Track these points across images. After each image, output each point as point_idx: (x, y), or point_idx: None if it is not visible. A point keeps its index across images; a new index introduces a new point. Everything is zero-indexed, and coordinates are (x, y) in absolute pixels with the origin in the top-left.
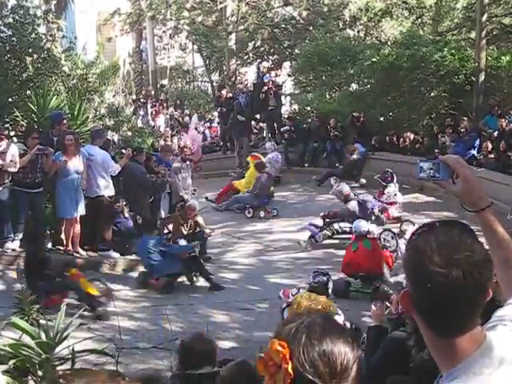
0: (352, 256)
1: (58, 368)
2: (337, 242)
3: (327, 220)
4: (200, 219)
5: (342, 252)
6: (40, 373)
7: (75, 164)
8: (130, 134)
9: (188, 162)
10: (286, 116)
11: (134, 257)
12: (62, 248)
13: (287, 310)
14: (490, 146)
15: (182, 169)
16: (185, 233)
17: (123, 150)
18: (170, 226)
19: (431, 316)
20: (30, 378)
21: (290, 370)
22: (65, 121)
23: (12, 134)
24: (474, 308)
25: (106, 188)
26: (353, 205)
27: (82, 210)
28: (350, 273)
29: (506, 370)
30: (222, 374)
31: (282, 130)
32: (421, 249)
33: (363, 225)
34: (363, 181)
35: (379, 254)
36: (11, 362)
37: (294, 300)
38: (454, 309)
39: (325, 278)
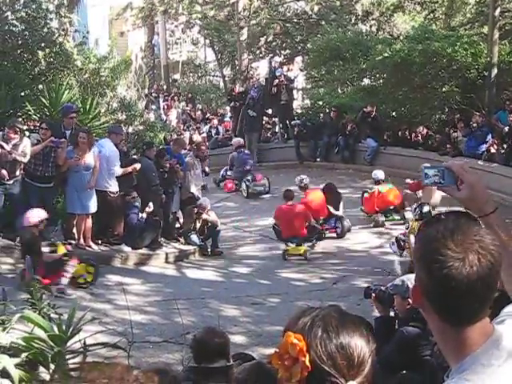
0: (383, 195)
1: (70, 361)
2: (348, 239)
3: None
4: (213, 214)
5: (354, 247)
6: (52, 366)
7: (86, 160)
8: (141, 128)
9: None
10: (298, 111)
11: (145, 251)
12: (73, 242)
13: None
14: (495, 143)
15: (195, 165)
16: (197, 228)
17: (134, 156)
18: (181, 221)
19: (445, 304)
20: (42, 371)
21: (307, 362)
22: (73, 114)
23: (24, 128)
24: (486, 294)
25: (110, 183)
26: (233, 154)
27: (93, 206)
28: (383, 209)
29: None
30: (237, 376)
31: (292, 123)
32: (434, 237)
33: (380, 172)
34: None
35: (399, 191)
36: (24, 355)
37: (411, 226)
38: (469, 294)
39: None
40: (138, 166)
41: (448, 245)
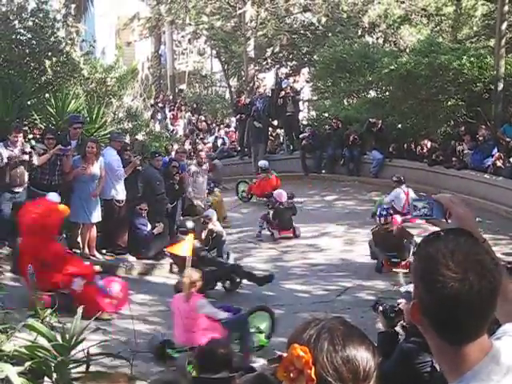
0: (270, 181)
1: (73, 371)
2: (351, 248)
3: None
4: (218, 225)
5: (360, 259)
6: (55, 375)
7: (93, 170)
8: (147, 138)
9: (204, 167)
10: (304, 122)
11: (149, 261)
12: (78, 251)
13: None
14: (501, 157)
15: (198, 173)
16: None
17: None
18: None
19: (445, 323)
20: (45, 380)
21: (312, 375)
22: (78, 125)
23: (30, 136)
24: (486, 312)
25: (116, 191)
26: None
27: (96, 216)
28: (269, 192)
29: None
30: None
31: (300, 136)
32: (434, 256)
33: (266, 162)
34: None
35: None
36: (27, 364)
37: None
38: (469, 314)
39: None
40: (136, 160)
41: (449, 265)
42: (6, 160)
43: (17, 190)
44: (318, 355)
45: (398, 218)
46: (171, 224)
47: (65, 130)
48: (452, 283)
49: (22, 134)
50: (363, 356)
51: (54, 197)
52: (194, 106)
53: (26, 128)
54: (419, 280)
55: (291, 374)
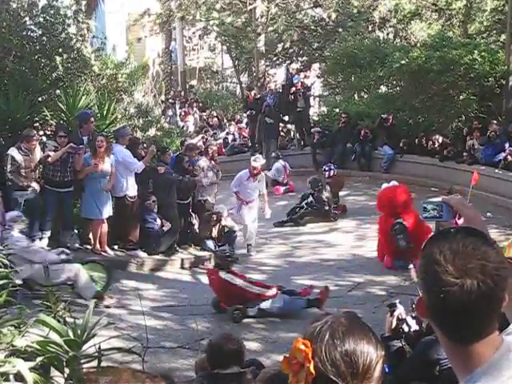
0: None
1: (84, 366)
2: (362, 244)
3: None
4: (229, 221)
5: (371, 255)
6: (67, 370)
7: (103, 166)
8: (158, 134)
9: (213, 162)
10: (315, 118)
11: (160, 256)
12: (89, 247)
13: None
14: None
15: (208, 167)
16: (213, 234)
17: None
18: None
19: (446, 324)
20: (56, 375)
21: (311, 369)
22: (92, 119)
23: (41, 133)
24: (489, 316)
25: (128, 188)
26: None
27: (108, 211)
28: None
29: None
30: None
31: (312, 130)
32: (435, 258)
33: None
34: None
35: None
36: (39, 359)
37: None
38: (469, 318)
39: None
40: (153, 149)
41: (448, 269)
42: (23, 164)
43: (29, 189)
44: (318, 349)
45: (281, 189)
46: (185, 220)
47: (75, 126)
48: (449, 288)
49: (37, 142)
50: (363, 350)
51: None
52: (200, 104)
53: (37, 124)
54: (421, 279)
55: (294, 367)
